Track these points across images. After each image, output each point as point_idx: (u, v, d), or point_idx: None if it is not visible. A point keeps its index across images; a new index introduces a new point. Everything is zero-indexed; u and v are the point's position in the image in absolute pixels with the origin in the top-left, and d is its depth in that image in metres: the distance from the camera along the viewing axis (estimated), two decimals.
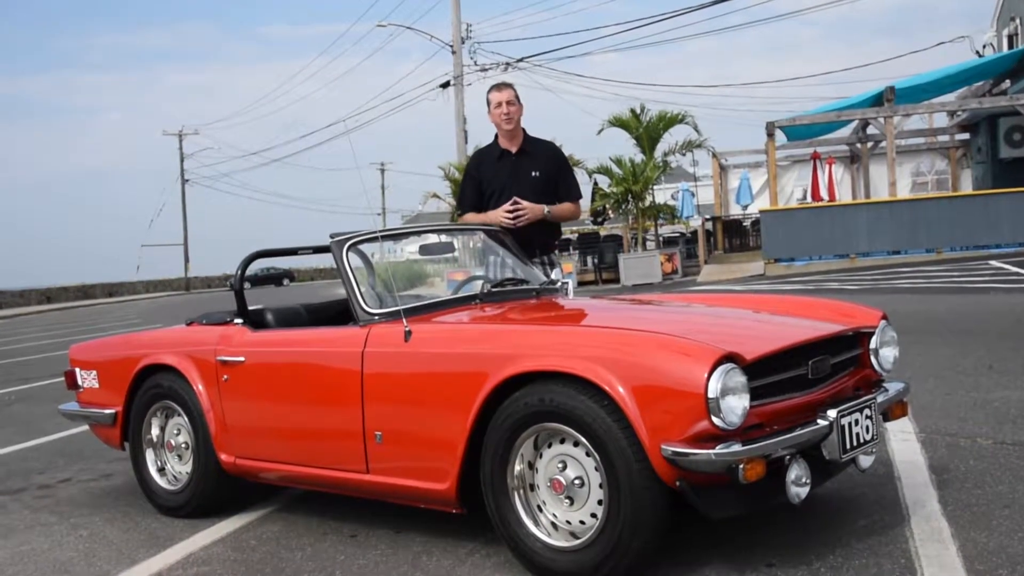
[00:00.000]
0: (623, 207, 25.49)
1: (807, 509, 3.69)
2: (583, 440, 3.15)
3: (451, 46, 32.34)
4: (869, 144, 26.35)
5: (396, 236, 4.36)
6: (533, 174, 5.18)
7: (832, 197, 25.49)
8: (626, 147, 28.74)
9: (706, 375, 2.91)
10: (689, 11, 25.09)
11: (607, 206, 27.31)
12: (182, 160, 63.81)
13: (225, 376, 4.19)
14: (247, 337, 4.22)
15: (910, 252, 20.24)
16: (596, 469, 3.14)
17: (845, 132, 27.20)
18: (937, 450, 4.59)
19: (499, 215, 5.03)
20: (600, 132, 25.20)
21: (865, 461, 3.51)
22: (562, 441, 3.26)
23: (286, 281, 62.27)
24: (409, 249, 4.88)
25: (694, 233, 29.50)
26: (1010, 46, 26.93)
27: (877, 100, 21.83)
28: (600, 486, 3.14)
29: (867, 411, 3.39)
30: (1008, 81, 23.29)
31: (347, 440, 3.76)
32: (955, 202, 20.88)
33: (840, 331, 3.60)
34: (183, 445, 4.44)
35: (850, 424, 3.28)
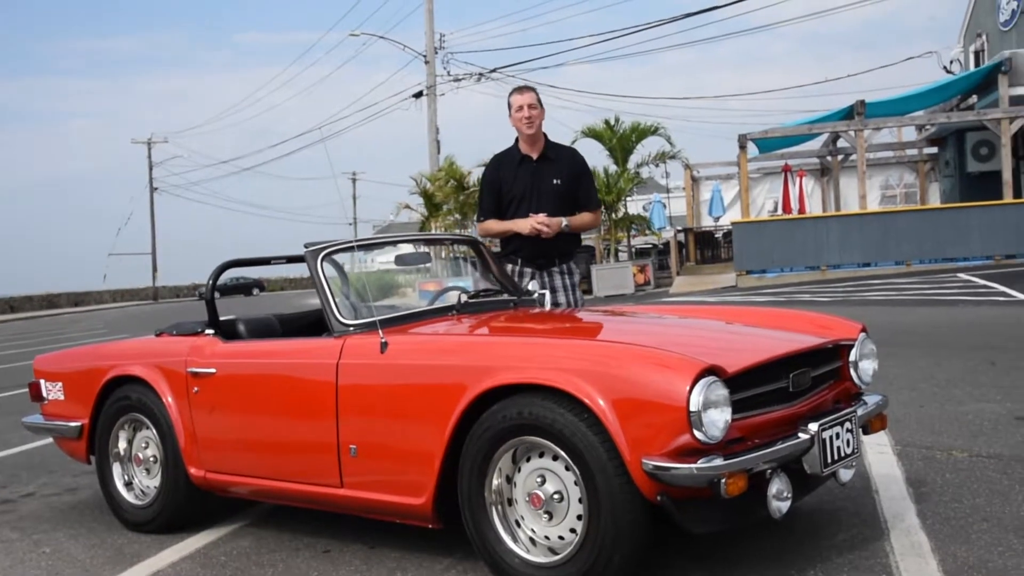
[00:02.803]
0: None
1: (787, 523, 3.66)
2: (562, 454, 3.10)
3: (424, 56, 32.32)
4: (839, 157, 26.57)
5: (371, 246, 4.29)
6: (554, 182, 5.02)
7: (803, 210, 25.69)
8: (599, 158, 28.76)
9: (688, 388, 2.88)
10: (662, 23, 25.23)
11: None
12: (151, 168, 63.24)
13: (195, 388, 4.10)
14: (218, 348, 4.14)
15: (880, 264, 20.40)
16: (575, 483, 3.10)
17: (816, 145, 27.42)
18: (913, 463, 4.58)
19: (531, 224, 4.87)
20: (573, 142, 25.19)
21: (845, 475, 3.49)
22: (541, 455, 3.20)
23: (256, 291, 61.82)
24: (381, 260, 4.81)
25: (666, 244, 29.61)
26: (976, 62, 27.28)
27: (848, 114, 22.04)
28: (580, 501, 3.09)
29: (848, 424, 3.36)
30: (975, 96, 23.58)
31: (321, 453, 3.69)
32: (924, 215, 21.10)
33: (821, 344, 3.58)
34: (151, 459, 4.34)
35: (831, 438, 3.26)
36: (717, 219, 29.17)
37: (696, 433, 2.88)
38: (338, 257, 4.29)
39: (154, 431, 4.26)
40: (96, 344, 4.91)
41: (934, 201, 26.64)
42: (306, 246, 4.00)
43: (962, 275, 17.66)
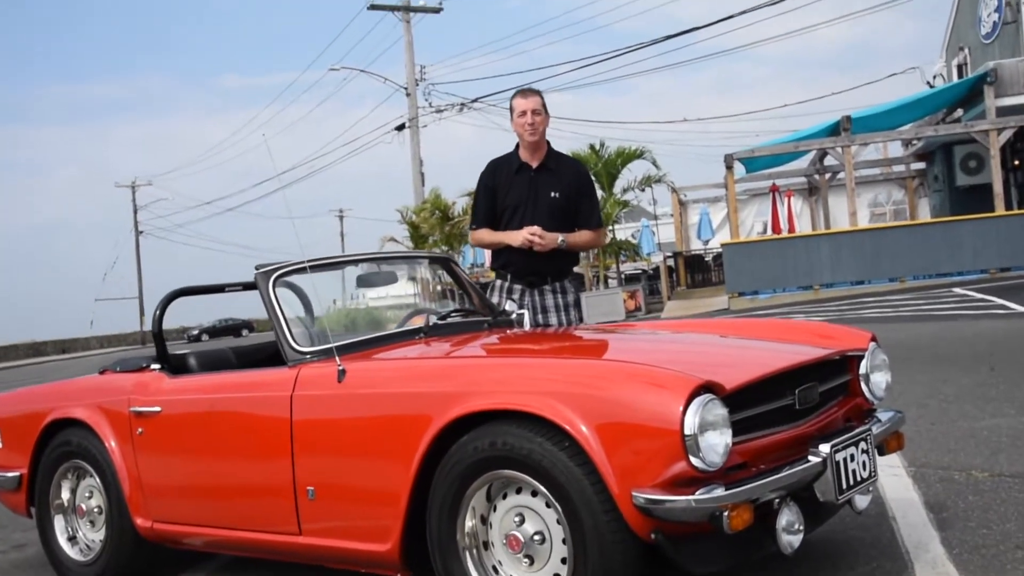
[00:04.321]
0: None
1: (797, 557, 3.27)
2: (542, 489, 2.72)
3: (405, 88, 32.14)
4: (827, 175, 26.33)
5: (328, 265, 3.92)
6: (552, 194, 4.63)
7: (792, 230, 25.38)
8: None
9: (681, 408, 2.51)
10: (641, 46, 25.00)
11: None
12: (135, 212, 62.87)
13: (140, 429, 3.72)
14: (164, 384, 3.76)
15: (874, 282, 20.08)
16: (558, 522, 2.72)
17: (803, 164, 27.20)
18: (931, 485, 4.20)
19: (524, 236, 4.50)
20: None
21: (862, 501, 3.11)
22: (519, 491, 2.83)
23: (245, 332, 61.13)
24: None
25: (656, 270, 29.30)
26: (959, 76, 27.16)
27: (833, 130, 21.81)
28: (563, 542, 2.72)
29: (863, 445, 2.99)
30: (961, 110, 23.40)
31: (276, 497, 3.30)
32: (916, 231, 20.81)
33: (827, 355, 3.21)
34: (95, 510, 3.95)
35: (845, 460, 2.89)
36: (706, 242, 28.87)
37: (693, 460, 2.52)
38: (298, 280, 3.93)
39: (97, 479, 3.87)
40: (36, 386, 4.51)
41: (924, 217, 26.38)
42: (257, 268, 3.64)
43: (958, 289, 17.35)
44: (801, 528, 2.75)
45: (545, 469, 2.68)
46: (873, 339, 3.42)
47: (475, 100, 30.84)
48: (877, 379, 3.35)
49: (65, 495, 4.08)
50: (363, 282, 4.00)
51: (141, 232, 62.83)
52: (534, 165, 4.66)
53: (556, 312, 4.63)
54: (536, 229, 4.50)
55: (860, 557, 3.35)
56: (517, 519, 2.82)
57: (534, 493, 2.78)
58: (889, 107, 22.43)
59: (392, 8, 32.03)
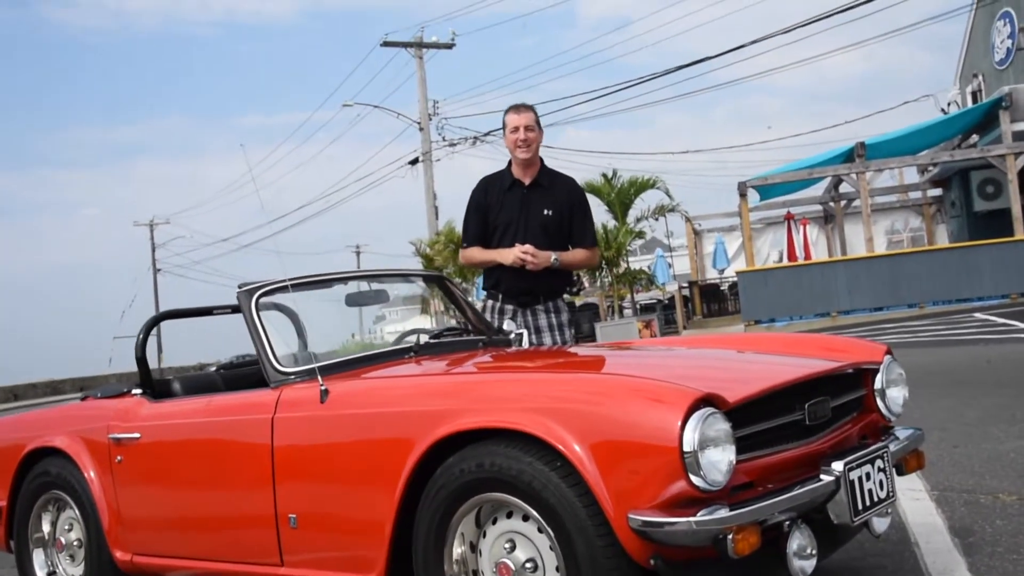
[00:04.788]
0: (597, 275, 25.02)
1: None
2: (533, 513, 2.53)
3: (419, 123, 32.17)
4: (842, 203, 26.10)
5: (314, 283, 3.75)
6: (545, 212, 4.50)
7: (808, 258, 25.09)
8: (598, 213, 28.41)
9: (679, 423, 2.32)
10: (654, 77, 24.95)
11: (580, 274, 26.82)
12: (153, 250, 62.92)
13: (119, 457, 3.55)
14: (144, 410, 3.59)
15: (892, 309, 19.80)
16: (551, 548, 2.52)
17: (818, 191, 26.97)
18: (955, 509, 3.98)
19: (516, 254, 4.36)
20: None
21: (880, 524, 2.91)
22: (509, 515, 2.64)
23: None
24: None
25: (671, 299, 29.04)
26: (974, 102, 26.94)
27: (848, 157, 21.61)
28: (557, 570, 2.52)
29: (879, 463, 2.79)
30: (976, 135, 23.17)
31: (257, 527, 3.12)
32: (935, 256, 20.54)
33: (838, 367, 3.02)
34: (75, 543, 3.77)
35: (861, 479, 2.68)
36: (722, 271, 28.61)
37: (693, 479, 2.33)
38: (297, 305, 3.78)
39: (76, 510, 3.70)
40: (18, 415, 4.35)
41: (942, 243, 26.09)
42: (240, 287, 3.48)
43: (978, 314, 17.05)
44: (814, 553, 2.55)
45: (535, 491, 2.49)
46: (888, 352, 3.22)
47: (487, 133, 30.71)
48: (893, 394, 3.15)
49: (46, 528, 3.91)
50: (352, 301, 3.82)
51: (159, 270, 62.92)
52: (527, 182, 4.54)
53: (550, 332, 4.45)
54: (528, 247, 4.37)
55: None
56: (508, 546, 2.63)
57: (525, 518, 2.58)
58: (904, 132, 22.23)
59: (405, 44, 32.12)
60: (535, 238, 4.42)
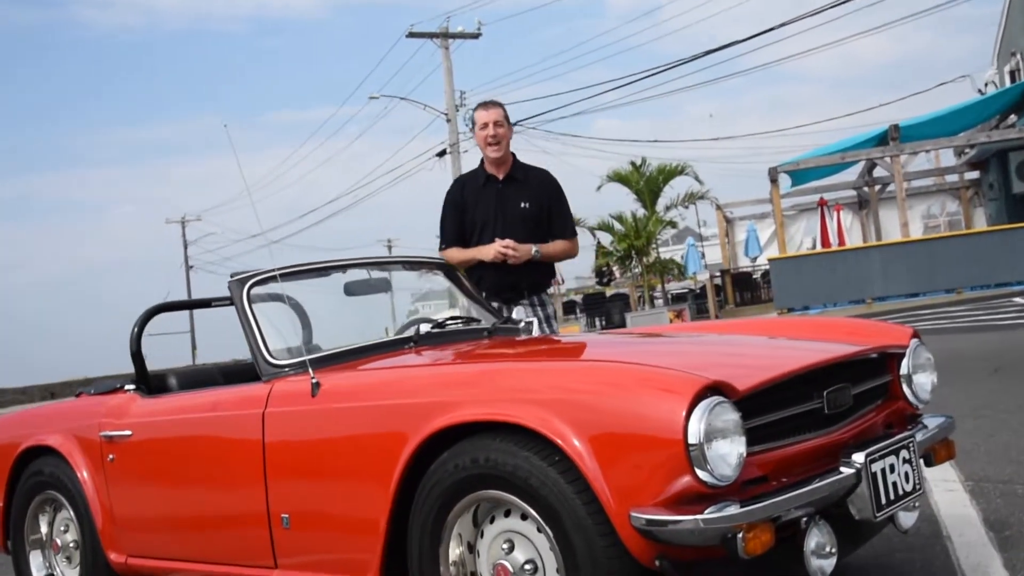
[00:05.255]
0: (627, 264, 24.78)
1: None
2: (531, 511, 2.37)
3: (446, 114, 32.03)
4: (877, 187, 25.64)
5: (309, 272, 3.60)
6: (522, 205, 4.52)
7: (842, 244, 24.69)
8: (627, 202, 28.14)
9: (684, 413, 2.15)
10: (682, 62, 24.60)
11: (611, 264, 26.59)
12: (185, 247, 63.28)
13: (111, 455, 3.43)
14: (136, 406, 3.47)
15: (929, 294, 19.39)
16: (551, 549, 2.36)
17: (851, 176, 26.51)
18: (991, 501, 3.77)
19: (496, 249, 4.37)
20: (599, 188, 24.62)
21: (907, 519, 2.72)
22: (507, 514, 2.48)
23: None
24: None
25: (703, 289, 28.74)
26: (1012, 82, 26.36)
27: (881, 140, 21.18)
28: (557, 571, 2.36)
29: (904, 453, 2.59)
30: (1014, 115, 22.65)
31: (250, 528, 2.99)
32: (972, 240, 20.07)
33: (859, 352, 2.82)
34: (72, 544, 3.65)
35: (884, 471, 2.49)
36: (754, 259, 28.24)
37: (700, 473, 2.16)
38: (301, 297, 3.65)
39: (71, 511, 3.59)
40: (14, 412, 4.25)
41: (980, 227, 25.56)
42: (231, 276, 3.34)
43: (1018, 299, 16.63)
44: (834, 551, 2.37)
45: (533, 488, 2.33)
46: (915, 336, 3.02)
47: (515, 123, 30.55)
48: (921, 380, 2.95)
49: (44, 529, 3.80)
50: (351, 290, 3.67)
51: (191, 267, 63.37)
52: (500, 177, 4.57)
53: (538, 326, 4.32)
54: (508, 241, 4.39)
55: None
56: (506, 546, 2.48)
57: (524, 516, 2.43)
58: (939, 114, 21.77)
59: (431, 35, 32.00)
60: (514, 232, 4.43)
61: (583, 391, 2.35)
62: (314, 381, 2.88)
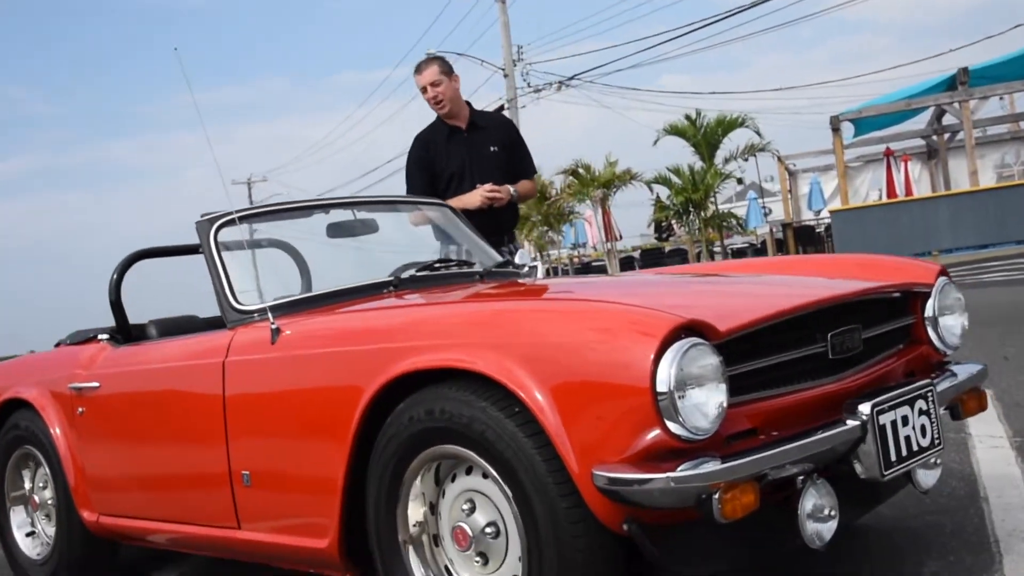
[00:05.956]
0: (685, 218, 24.22)
1: (846, 552, 2.59)
2: (490, 469, 2.11)
3: (503, 69, 31.61)
4: (946, 136, 24.64)
5: (284, 212, 3.36)
6: (492, 149, 4.58)
7: (910, 196, 23.83)
8: (684, 155, 27.44)
9: (652, 357, 1.86)
10: (741, 10, 23.73)
11: (669, 218, 26.03)
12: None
13: (80, 408, 3.25)
14: (105, 356, 3.28)
15: (999, 246, 18.59)
16: (513, 511, 2.10)
17: (919, 124, 25.50)
18: None
19: (481, 194, 4.37)
20: (656, 142, 24.00)
21: (926, 478, 2.39)
22: (469, 471, 2.23)
23: None
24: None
25: (764, 243, 28.09)
26: None
27: (950, 85, 20.26)
28: (520, 536, 2.10)
29: (921, 404, 2.27)
30: None
31: (213, 486, 2.78)
32: None
33: (872, 289, 2.49)
34: (49, 502, 3.49)
35: (894, 423, 2.18)
36: (818, 212, 27.45)
37: (671, 425, 1.87)
38: (270, 229, 3.43)
39: (47, 467, 3.42)
40: None
41: None
42: (201, 216, 3.12)
43: None
44: (835, 514, 2.07)
45: (489, 442, 2.08)
46: (943, 273, 2.67)
47: (572, 77, 30.00)
48: (948, 323, 2.62)
49: (27, 484, 3.65)
50: (334, 231, 3.42)
51: (255, 229, 63.96)
52: (463, 127, 4.58)
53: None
54: (490, 185, 4.40)
55: (934, 549, 2.63)
56: (467, 507, 2.23)
57: (485, 475, 2.17)
58: (1011, 56, 20.69)
59: None
60: (490, 176, 4.45)
61: (545, 333, 2.08)
62: (274, 327, 2.64)
